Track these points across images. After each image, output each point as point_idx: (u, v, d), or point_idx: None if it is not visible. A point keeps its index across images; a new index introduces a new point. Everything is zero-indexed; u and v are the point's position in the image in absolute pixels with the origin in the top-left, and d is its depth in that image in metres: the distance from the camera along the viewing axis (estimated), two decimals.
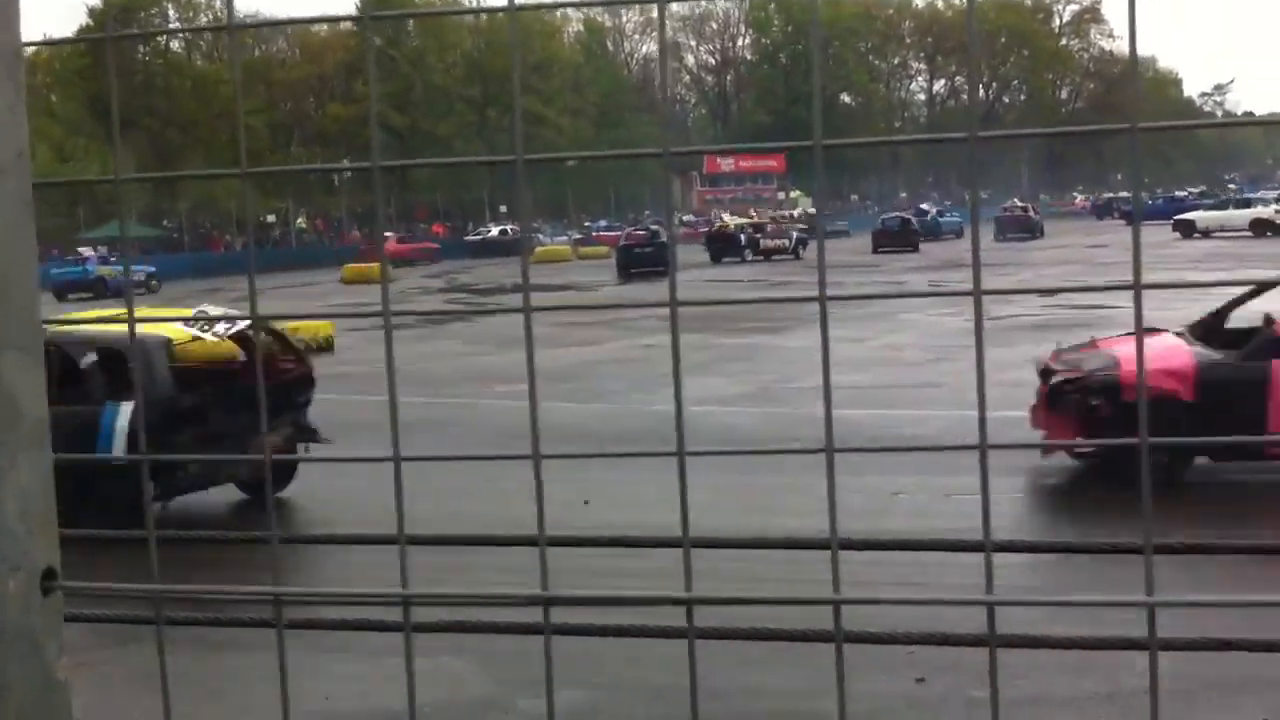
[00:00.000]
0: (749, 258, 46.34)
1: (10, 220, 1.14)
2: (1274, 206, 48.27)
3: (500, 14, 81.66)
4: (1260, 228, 46.92)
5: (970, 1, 1.17)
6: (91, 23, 72.86)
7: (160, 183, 66.96)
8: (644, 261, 41.42)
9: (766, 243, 47.76)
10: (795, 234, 48.73)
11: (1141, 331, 1.16)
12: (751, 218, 54.78)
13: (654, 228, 47.01)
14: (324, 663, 6.13)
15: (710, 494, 8.82)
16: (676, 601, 1.16)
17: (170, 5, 77.45)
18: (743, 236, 47.90)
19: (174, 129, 69.46)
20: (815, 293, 1.15)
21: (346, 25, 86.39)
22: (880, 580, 6.13)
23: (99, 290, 43.51)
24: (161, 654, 1.30)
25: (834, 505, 1.20)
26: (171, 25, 78.31)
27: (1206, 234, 48.23)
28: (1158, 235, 47.16)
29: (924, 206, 66.93)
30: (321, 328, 22.73)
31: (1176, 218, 51.62)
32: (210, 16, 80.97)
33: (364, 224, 75.86)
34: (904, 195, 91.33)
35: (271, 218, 67.10)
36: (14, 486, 1.12)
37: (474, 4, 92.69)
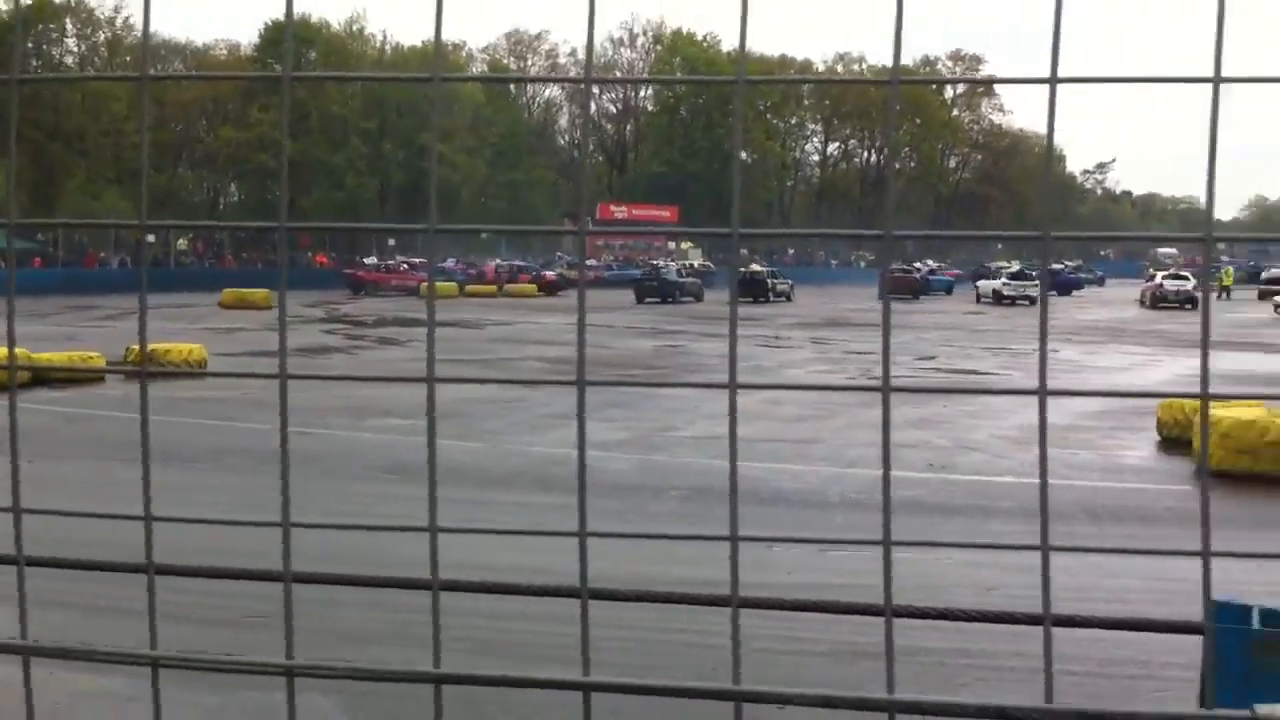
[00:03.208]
0: (772, 299, 56.52)
1: None
2: (1003, 279, 59.76)
3: (412, 62, 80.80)
4: (996, 297, 58.37)
5: None
6: None
7: (37, 196, 65.11)
8: (651, 293, 55.63)
9: (780, 286, 58.77)
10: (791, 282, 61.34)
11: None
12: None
13: (659, 265, 60.46)
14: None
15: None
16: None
17: (69, 20, 75.87)
18: (770, 282, 58.31)
19: (59, 143, 67.75)
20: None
21: (246, 50, 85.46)
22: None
23: None
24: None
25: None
26: (77, 58, 76.72)
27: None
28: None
29: (921, 265, 76.32)
30: (194, 350, 22.31)
31: (978, 283, 63.96)
32: (110, 33, 79.55)
33: (243, 247, 74.70)
34: (791, 252, 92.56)
35: (152, 238, 65.68)
36: None
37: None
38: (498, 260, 70.55)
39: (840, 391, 21.47)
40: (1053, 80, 1.27)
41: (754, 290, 56.60)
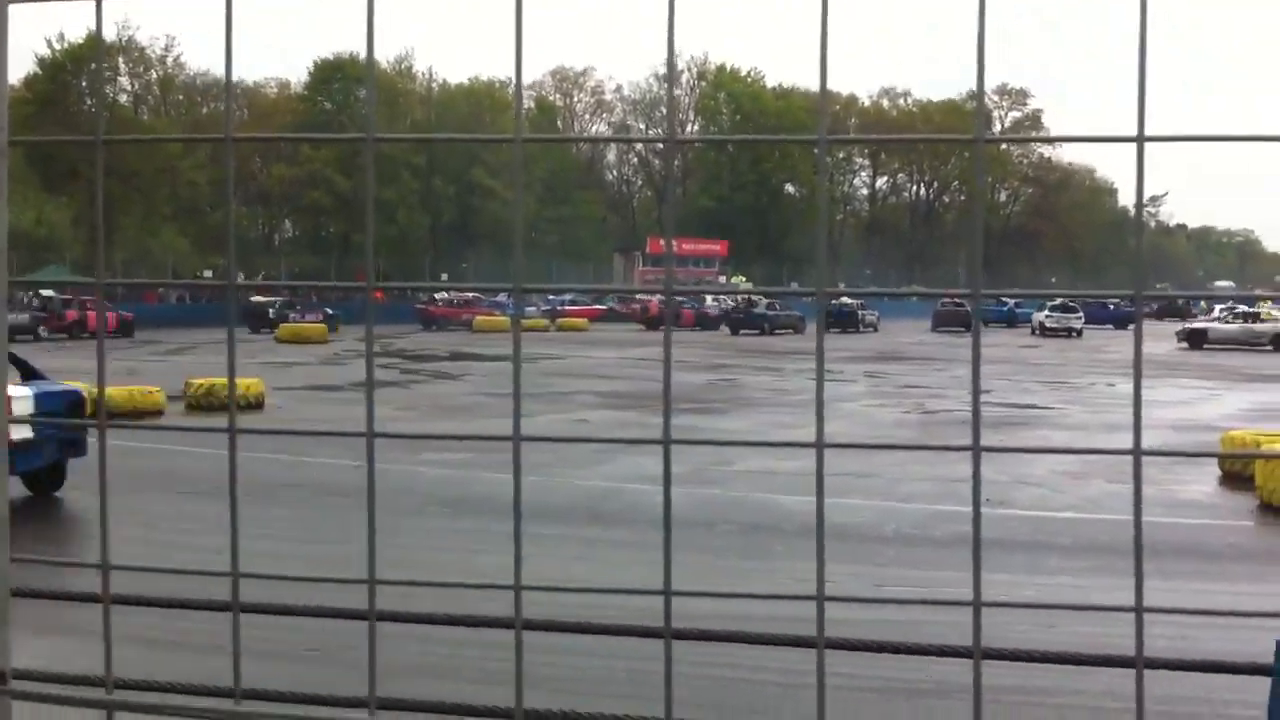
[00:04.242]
0: (861, 329, 60.15)
1: None
2: (1045, 312, 58.82)
3: (451, 89, 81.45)
4: (1041, 329, 58.25)
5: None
6: (40, 72, 72.33)
7: (96, 234, 65.98)
8: (744, 325, 58.30)
9: (869, 318, 62.23)
10: (877, 313, 64.17)
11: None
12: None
13: (752, 299, 60.98)
14: None
15: (650, 569, 8.75)
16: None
17: (121, 59, 77.13)
18: (860, 314, 61.51)
19: (115, 180, 68.78)
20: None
21: (296, 88, 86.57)
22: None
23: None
24: None
25: None
26: (130, 96, 78.02)
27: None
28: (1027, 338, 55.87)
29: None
30: (251, 385, 22.50)
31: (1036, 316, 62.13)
32: (161, 71, 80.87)
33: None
34: (842, 285, 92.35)
35: (209, 273, 66.50)
36: None
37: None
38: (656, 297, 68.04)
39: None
40: (1140, 139, 1.25)
41: (844, 322, 59.59)
